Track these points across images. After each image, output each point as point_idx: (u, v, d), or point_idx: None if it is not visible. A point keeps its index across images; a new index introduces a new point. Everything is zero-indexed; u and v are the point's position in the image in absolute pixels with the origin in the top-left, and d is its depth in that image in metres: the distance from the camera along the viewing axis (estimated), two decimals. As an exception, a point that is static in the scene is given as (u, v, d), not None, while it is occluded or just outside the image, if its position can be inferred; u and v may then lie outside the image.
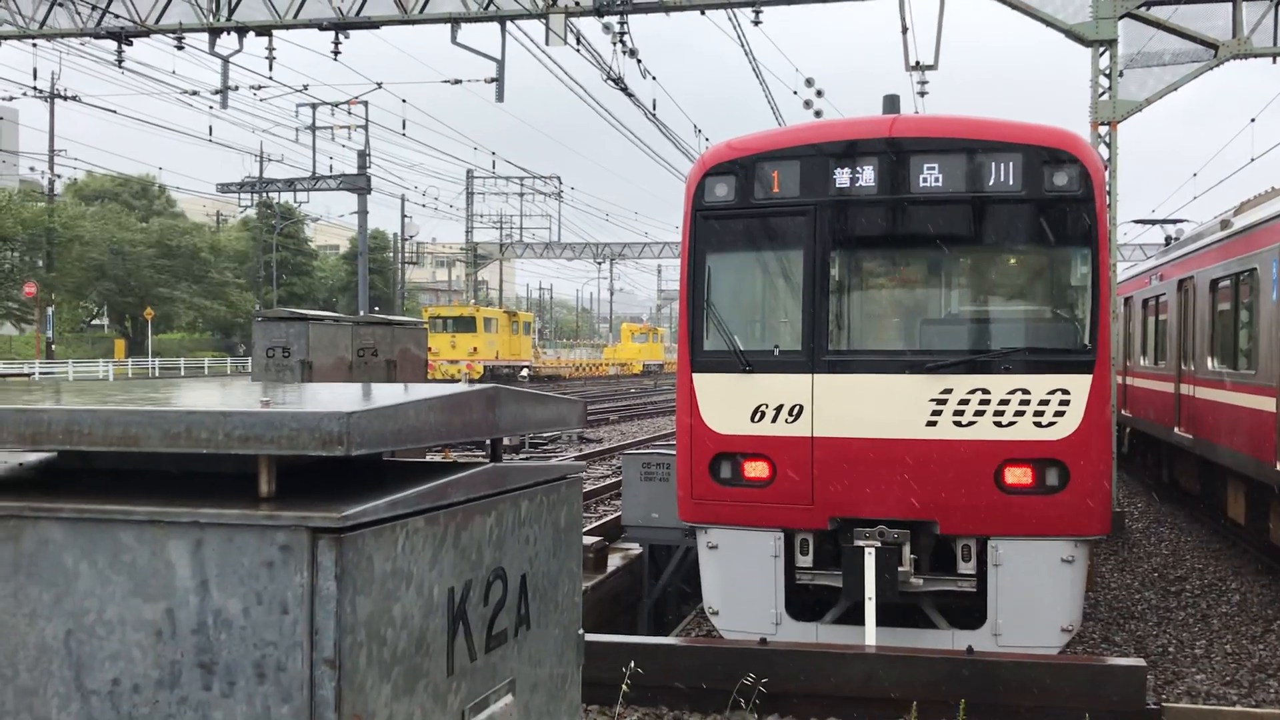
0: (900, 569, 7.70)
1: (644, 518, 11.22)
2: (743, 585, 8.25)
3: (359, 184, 49.61)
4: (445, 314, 59.41)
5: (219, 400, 2.31)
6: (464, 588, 2.31)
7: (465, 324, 57.15)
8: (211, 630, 1.93)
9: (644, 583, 12.17)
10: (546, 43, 20.17)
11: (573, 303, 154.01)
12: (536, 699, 2.69)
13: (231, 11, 21.67)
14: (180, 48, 22.43)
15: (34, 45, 25.85)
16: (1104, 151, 16.06)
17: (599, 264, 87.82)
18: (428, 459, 3.18)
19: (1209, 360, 13.84)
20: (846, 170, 8.12)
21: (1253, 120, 27.76)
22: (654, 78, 23.04)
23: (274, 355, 16.99)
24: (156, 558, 1.96)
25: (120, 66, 23.14)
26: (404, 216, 72.53)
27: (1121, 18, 16.69)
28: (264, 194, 57.85)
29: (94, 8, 22.15)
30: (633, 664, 6.88)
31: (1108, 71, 16.50)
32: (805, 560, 8.17)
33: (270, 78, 25.64)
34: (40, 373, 48.12)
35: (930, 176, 8.01)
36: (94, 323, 77.44)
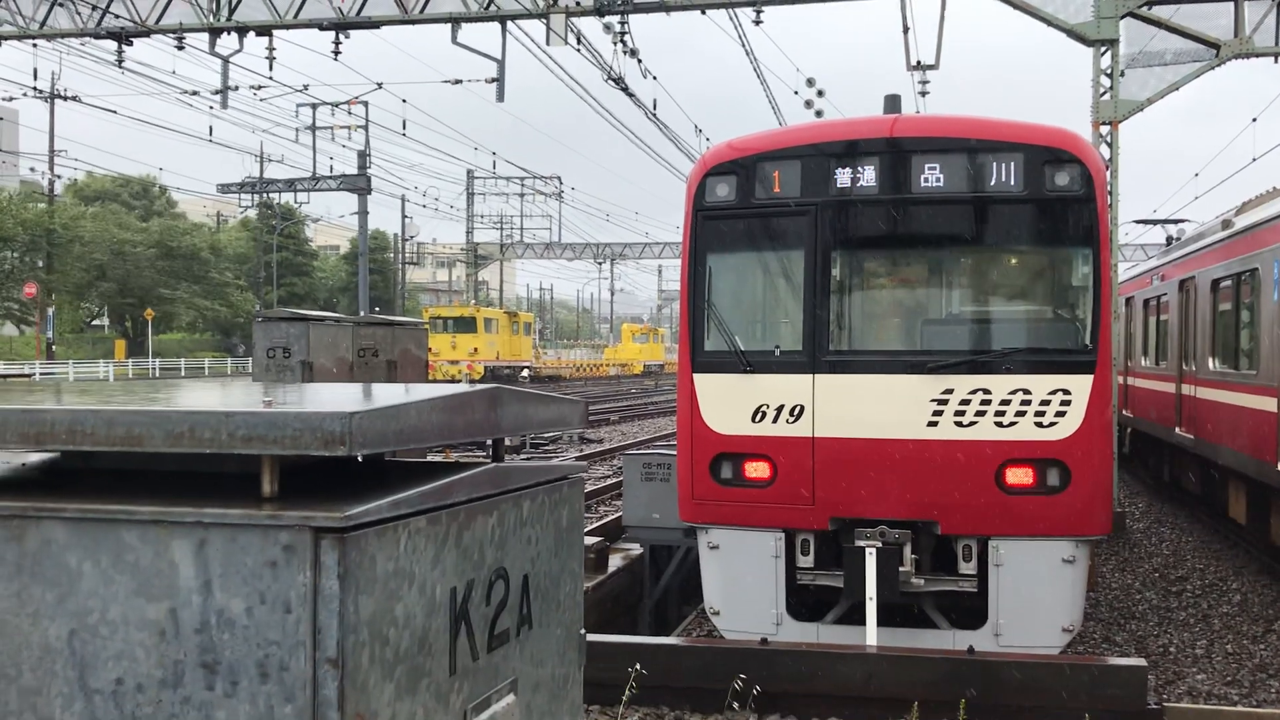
0: (901, 569, 7.70)
1: (645, 518, 11.22)
2: (744, 585, 8.25)
3: (359, 184, 49.61)
4: (446, 314, 59.42)
5: (221, 400, 2.31)
6: (466, 587, 2.31)
7: (466, 324, 57.16)
8: (215, 630, 1.93)
9: (645, 583, 12.17)
10: (547, 43, 20.18)
11: (573, 303, 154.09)
12: (538, 699, 2.69)
13: (232, 11, 21.68)
14: (180, 48, 22.45)
15: (34, 45, 25.88)
16: (1105, 151, 16.06)
17: (599, 264, 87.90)
18: (429, 459, 3.18)
19: (1210, 360, 13.84)
20: (847, 170, 8.12)
21: (1254, 120, 27.78)
22: (655, 78, 23.05)
23: (275, 356, 17.00)
24: (160, 558, 1.96)
25: (120, 67, 23.16)
26: (404, 217, 72.60)
27: (1123, 17, 16.69)
28: (264, 194, 57.86)
29: (94, 8, 22.16)
30: (637, 665, 6.88)
31: (1109, 71, 16.50)
32: (806, 560, 8.17)
33: (270, 78, 25.66)
34: (40, 373, 48.13)
35: (931, 176, 8.01)
36: (94, 323, 77.48)
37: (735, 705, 6.89)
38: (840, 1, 19.63)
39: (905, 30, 18.93)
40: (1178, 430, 15.55)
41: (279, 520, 1.91)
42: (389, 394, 2.43)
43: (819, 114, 25.21)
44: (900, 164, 8.06)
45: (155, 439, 2.01)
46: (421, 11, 20.95)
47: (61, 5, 22.53)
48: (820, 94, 25.60)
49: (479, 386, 2.49)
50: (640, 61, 21.54)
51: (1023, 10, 17.26)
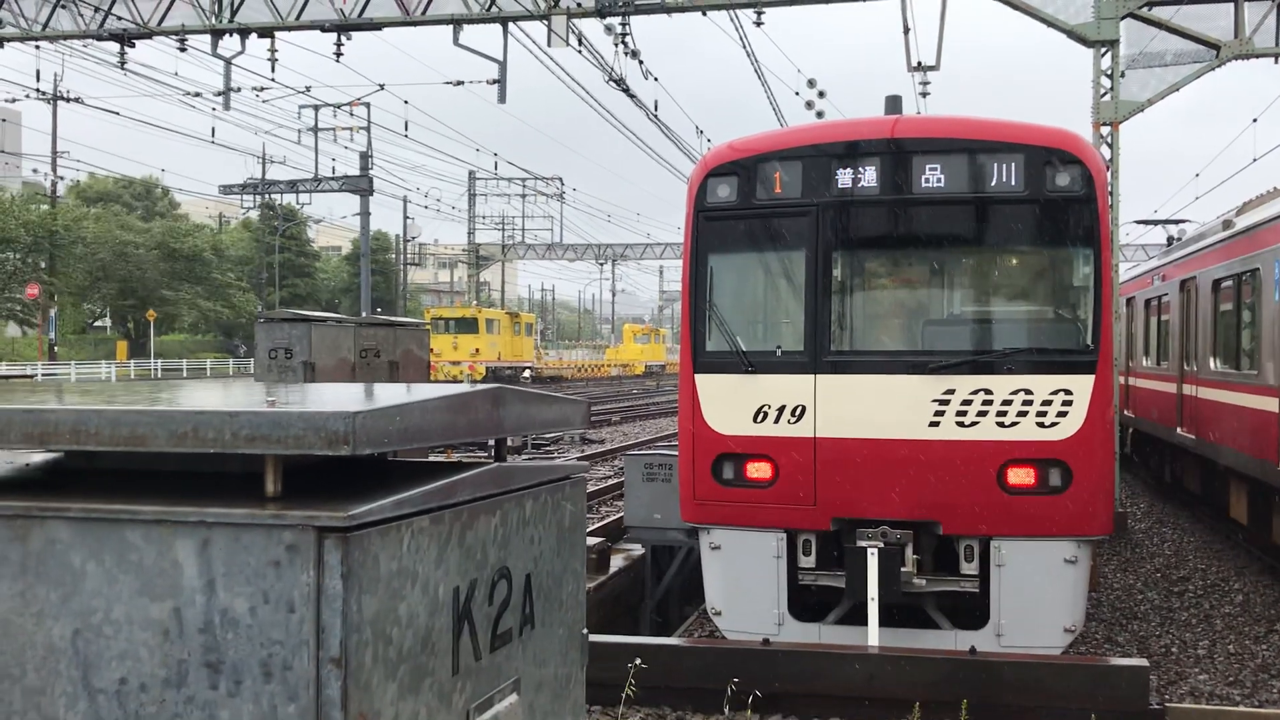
0: (903, 569, 7.70)
1: (646, 518, 11.22)
2: (745, 586, 8.25)
3: (361, 185, 49.64)
4: (447, 315, 59.45)
5: (225, 400, 2.31)
6: (469, 587, 2.31)
7: (467, 325, 57.18)
8: (218, 629, 1.94)
9: (646, 583, 12.17)
10: (548, 44, 20.19)
11: (575, 304, 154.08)
12: (541, 698, 2.70)
13: (234, 13, 21.70)
14: (183, 49, 22.46)
15: (37, 47, 25.92)
16: (1106, 152, 16.06)
17: (601, 265, 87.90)
18: (431, 459, 3.19)
19: (1211, 361, 13.83)
20: (849, 171, 8.13)
21: (1255, 120, 27.76)
22: (656, 79, 23.04)
23: (277, 356, 17.01)
24: (163, 557, 1.97)
25: (123, 68, 23.18)
26: (406, 218, 72.63)
27: (1123, 18, 16.69)
28: (266, 195, 57.88)
29: (96, 9, 22.18)
30: (638, 660, 6.88)
31: (1109, 72, 16.50)
32: (808, 561, 8.18)
33: (272, 79, 25.67)
34: (43, 374, 48.16)
35: (932, 177, 8.01)
36: (96, 325, 77.52)
37: (726, 709, 6.89)
38: (841, 3, 19.64)
39: (906, 31, 18.94)
40: (1179, 430, 15.55)
41: (282, 520, 1.92)
42: (392, 394, 2.44)
43: (820, 115, 25.21)
44: (901, 165, 8.06)
45: (159, 439, 2.01)
46: (423, 13, 20.97)
47: (64, 7, 22.55)
48: (821, 95, 25.60)
49: (481, 386, 2.49)
50: (641, 63, 21.55)
51: (1023, 11, 17.27)
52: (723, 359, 8.29)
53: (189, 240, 70.95)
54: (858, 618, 7.91)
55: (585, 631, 3.01)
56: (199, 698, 1.94)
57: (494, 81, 22.80)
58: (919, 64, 18.97)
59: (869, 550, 7.68)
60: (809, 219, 8.19)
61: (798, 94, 25.91)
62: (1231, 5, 16.83)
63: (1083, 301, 8.15)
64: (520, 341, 63.76)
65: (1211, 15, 16.97)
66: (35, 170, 65.99)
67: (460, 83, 27.28)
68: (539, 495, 2.68)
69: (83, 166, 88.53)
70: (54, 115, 56.43)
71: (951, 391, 7.83)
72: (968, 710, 6.58)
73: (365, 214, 50.59)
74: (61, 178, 62.49)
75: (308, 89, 35.82)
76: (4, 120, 61.16)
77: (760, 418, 8.15)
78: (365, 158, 49.86)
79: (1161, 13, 16.91)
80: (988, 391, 7.79)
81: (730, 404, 8.23)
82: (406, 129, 38.47)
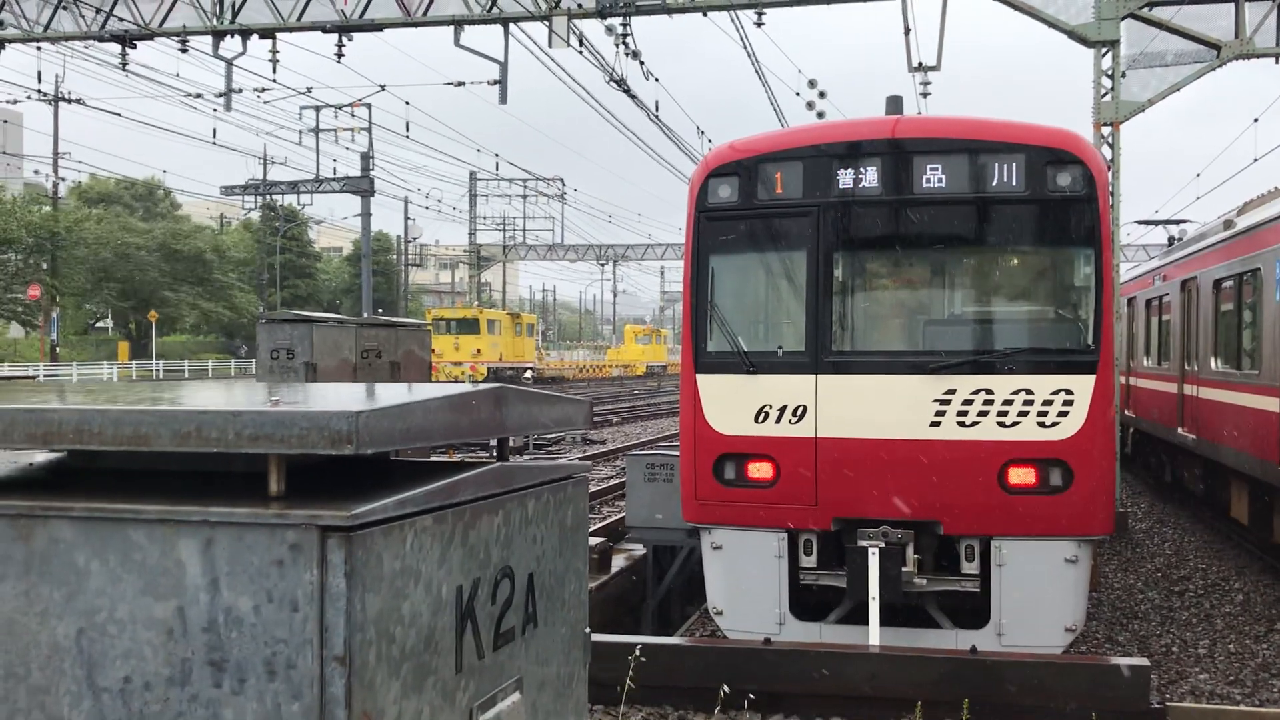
0: (904, 569, 7.71)
1: (648, 518, 11.22)
2: (747, 586, 8.26)
3: (362, 186, 49.64)
4: (449, 316, 59.45)
5: (228, 400, 2.32)
6: (472, 586, 2.32)
7: (469, 326, 57.19)
8: (222, 628, 1.94)
9: (648, 583, 12.17)
10: (549, 45, 20.20)
11: (576, 305, 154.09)
12: (544, 697, 2.70)
13: (235, 14, 21.71)
14: (184, 50, 22.46)
15: (38, 48, 25.93)
16: (1106, 152, 16.06)
17: (602, 266, 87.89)
18: (433, 459, 3.19)
19: (1212, 361, 13.83)
20: (850, 171, 8.13)
21: (1256, 120, 27.78)
22: (657, 79, 23.04)
23: (278, 357, 17.02)
24: (167, 556, 1.97)
25: (124, 69, 23.19)
26: (407, 218, 72.64)
27: (1124, 18, 16.69)
28: (268, 196, 57.90)
29: (98, 11, 22.19)
30: (640, 655, 6.88)
31: (1110, 72, 16.50)
32: (809, 561, 8.18)
33: (274, 80, 25.60)
34: (44, 375, 48.17)
35: (933, 177, 8.01)
36: (98, 325, 77.55)
37: (720, 709, 6.89)
38: (842, 3, 19.64)
39: (906, 32, 18.94)
40: (1180, 430, 15.55)
41: (286, 519, 1.92)
42: (395, 393, 2.44)
43: (821, 115, 25.21)
44: (902, 165, 8.07)
45: (163, 438, 2.02)
46: (424, 14, 20.98)
47: (65, 8, 22.57)
48: (822, 95, 25.60)
49: (484, 386, 2.50)
50: (642, 63, 21.55)
51: (1024, 12, 17.27)
52: (724, 359, 8.30)
53: (191, 241, 71.00)
54: (859, 617, 7.92)
55: (587, 631, 3.01)
56: (203, 696, 1.95)
57: (495, 82, 22.79)
58: (920, 64, 18.97)
59: (870, 550, 7.68)
60: (810, 219, 8.20)
61: (798, 94, 25.92)
62: (1232, 5, 16.82)
63: (1084, 301, 8.16)
64: (522, 342, 63.76)
65: (1212, 15, 16.97)
66: (37, 171, 66.06)
67: (461, 83, 27.28)
68: (541, 495, 2.68)
69: (84, 168, 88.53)
70: (55, 116, 56.51)
71: (952, 391, 7.84)
72: (969, 710, 6.59)
73: (366, 215, 50.61)
74: (63, 179, 62.54)
75: (309, 90, 35.87)
76: (5, 121, 61.18)
77: (761, 418, 8.15)
78: (366, 159, 49.86)
79: (1162, 13, 16.90)
80: (989, 391, 7.80)
81: (732, 404, 8.24)
82: (408, 130, 38.43)
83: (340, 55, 21.73)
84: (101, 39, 22.59)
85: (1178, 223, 24.89)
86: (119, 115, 36.97)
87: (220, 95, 24.59)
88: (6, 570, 2.04)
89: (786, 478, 8.09)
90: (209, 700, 1.95)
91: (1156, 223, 27.52)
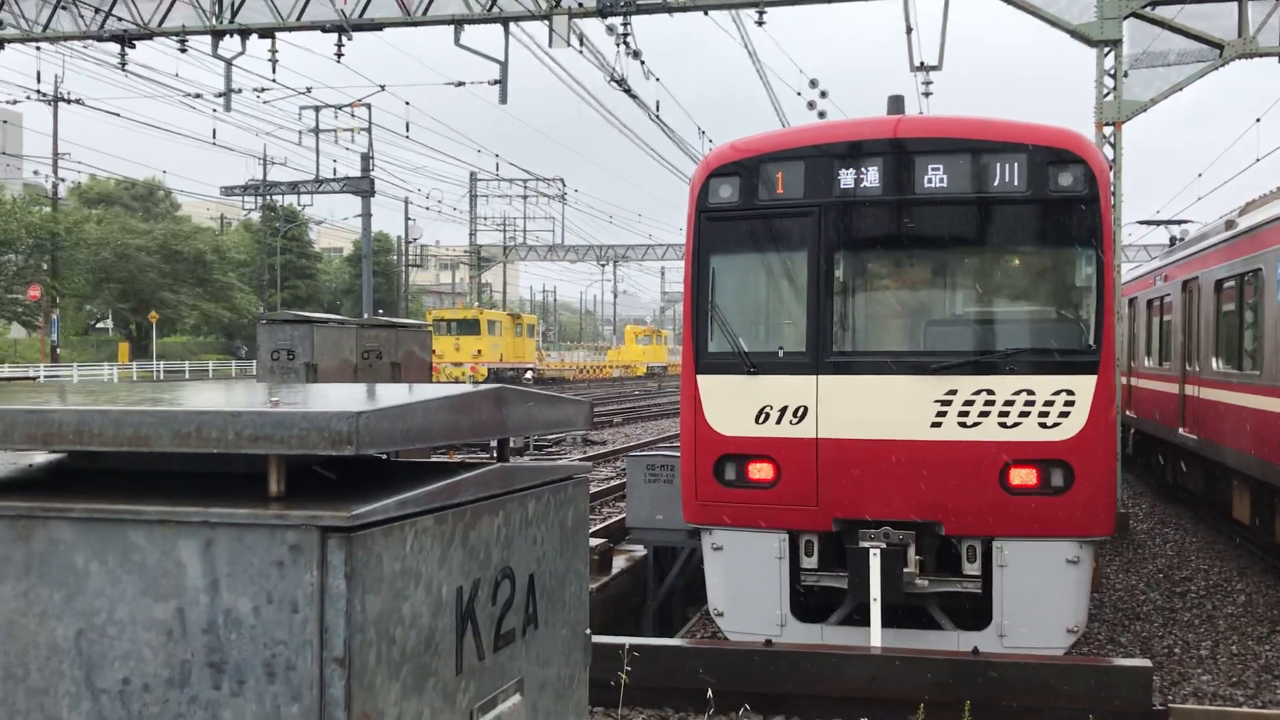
0: (905, 570, 7.70)
1: (649, 519, 11.22)
2: (748, 587, 8.25)
3: (362, 187, 49.66)
4: (449, 316, 59.45)
5: (228, 401, 2.31)
6: (472, 587, 2.31)
7: (469, 326, 57.20)
8: (221, 629, 1.94)
9: (649, 585, 12.17)
10: (550, 44, 20.20)
11: (576, 305, 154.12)
12: (544, 699, 2.69)
13: (234, 14, 21.71)
14: (183, 50, 22.47)
15: (37, 48, 25.94)
16: (1108, 152, 16.05)
17: (602, 266, 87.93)
18: (433, 459, 3.18)
19: (1214, 361, 13.82)
20: (851, 171, 8.12)
21: (1258, 120, 27.81)
22: (657, 79, 23.05)
23: (279, 358, 17.03)
24: (167, 557, 1.96)
25: (123, 69, 23.20)
26: (407, 219, 72.67)
27: (1126, 18, 16.68)
28: (268, 197, 57.92)
29: (97, 10, 22.20)
30: (627, 646, 6.85)
31: (1112, 72, 16.49)
32: (810, 562, 8.17)
33: (273, 80, 25.65)
34: (45, 376, 48.20)
35: (935, 177, 8.00)
36: (99, 326, 77.58)
37: (713, 710, 6.88)
38: (843, 2, 19.64)
39: (908, 31, 18.94)
40: (1181, 431, 15.54)
41: (286, 520, 1.91)
42: (395, 394, 2.43)
43: (822, 115, 25.20)
44: (904, 165, 8.05)
45: (163, 439, 2.01)
46: (424, 13, 20.98)
47: (64, 8, 22.57)
48: (823, 95, 25.59)
49: (484, 387, 2.49)
50: (643, 63, 21.56)
51: (1026, 11, 17.26)
52: (725, 360, 8.29)
53: (191, 242, 71.03)
54: (860, 619, 7.91)
55: (588, 632, 3.00)
56: (202, 698, 1.94)
57: (495, 82, 22.81)
58: (921, 64, 18.97)
59: (871, 551, 7.67)
60: (811, 219, 8.19)
61: (800, 94, 25.92)
62: (1235, 4, 16.81)
63: (1085, 302, 8.14)
64: (522, 343, 63.77)
65: (1215, 14, 16.96)
66: (36, 172, 66.10)
67: (461, 83, 27.29)
68: (542, 496, 2.68)
69: (84, 168, 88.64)
70: (55, 117, 56.53)
71: (954, 392, 7.83)
72: (971, 711, 6.58)
73: (367, 215, 50.63)
74: (63, 179, 62.56)
75: (309, 90, 35.85)
76: (5, 122, 61.21)
77: (762, 418, 8.14)
78: (366, 159, 49.88)
79: (1164, 12, 16.90)
80: (990, 392, 7.79)
81: (732, 405, 8.23)
82: (408, 130, 38.47)
83: (340, 55, 21.74)
84: (100, 39, 22.60)
85: (1179, 223, 24.88)
86: (118, 115, 37.04)
87: (220, 95, 24.61)
88: (6, 571, 2.04)
89: (787, 478, 8.08)
90: (208, 702, 1.94)
91: (1158, 223, 27.52)
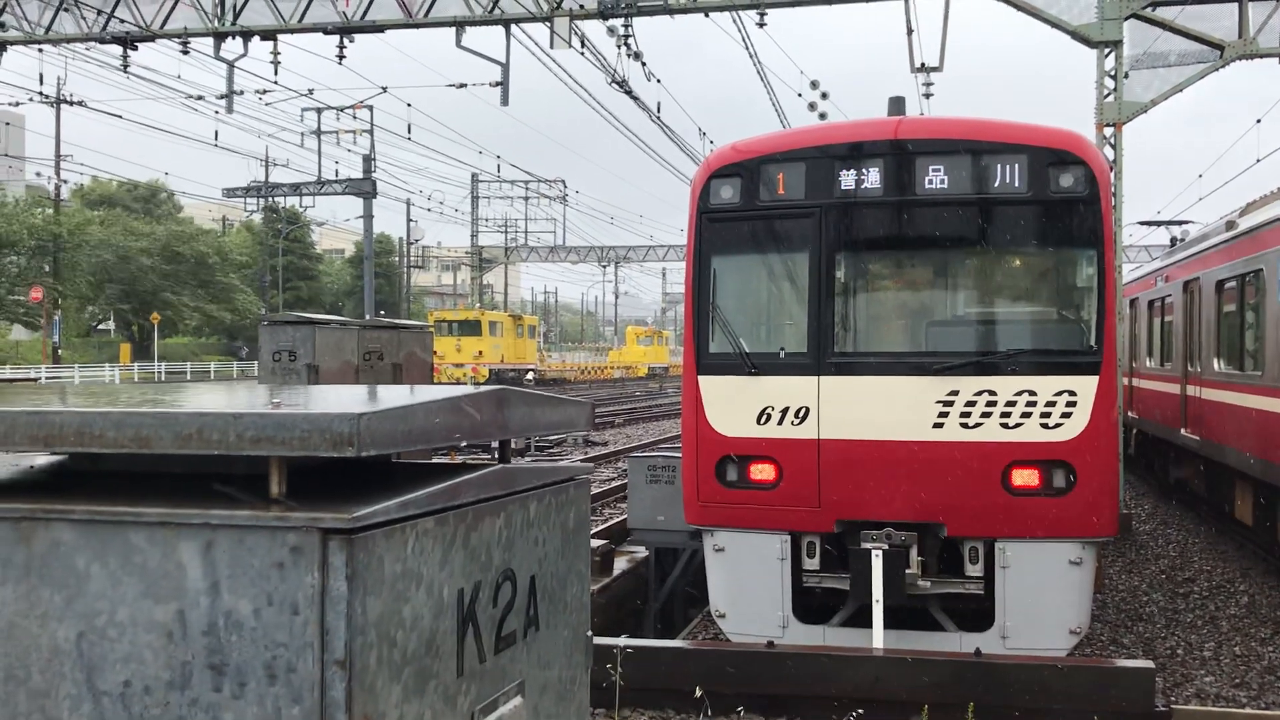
0: (907, 571, 7.69)
1: (650, 521, 11.21)
2: (749, 588, 8.24)
3: (364, 188, 49.71)
4: (450, 318, 59.46)
5: (229, 402, 2.31)
6: (473, 589, 2.31)
7: (470, 328, 57.20)
8: (222, 631, 1.93)
9: (650, 586, 12.16)
10: (551, 46, 20.20)
11: (577, 306, 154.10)
12: (546, 701, 2.69)
13: (236, 16, 21.72)
14: (185, 52, 22.48)
15: (40, 51, 25.93)
16: (1109, 153, 16.05)
17: (604, 267, 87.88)
18: (434, 460, 3.18)
19: (1215, 361, 13.81)
20: (852, 172, 8.12)
21: (1258, 121, 27.79)
22: (659, 80, 23.05)
23: (280, 359, 17.03)
24: (167, 559, 1.96)
25: (126, 71, 23.21)
26: (409, 220, 72.67)
27: (1127, 19, 16.68)
28: (269, 198, 57.95)
29: (99, 13, 22.22)
30: (620, 641, 6.85)
31: (1113, 73, 16.48)
32: (812, 563, 8.17)
33: (275, 82, 25.57)
34: (46, 377, 48.23)
35: (936, 178, 8.00)
36: (100, 327, 77.63)
37: (708, 711, 6.87)
38: (844, 3, 19.64)
39: (909, 32, 18.94)
40: (1183, 431, 15.52)
41: (286, 521, 1.91)
42: (396, 395, 2.43)
43: (823, 116, 25.18)
44: (905, 166, 8.05)
45: (164, 440, 2.01)
46: (426, 15, 20.99)
47: (67, 10, 22.59)
48: (824, 96, 25.58)
49: (486, 388, 2.49)
50: (644, 64, 21.56)
51: (1027, 12, 17.26)
52: (726, 361, 8.28)
53: (193, 244, 71.08)
54: (862, 620, 7.90)
55: (590, 634, 3.00)
56: (203, 700, 1.94)
57: (497, 84, 22.80)
58: (922, 65, 18.97)
59: (873, 552, 7.67)
60: (812, 220, 8.19)
61: (800, 95, 25.91)
62: (1235, 5, 16.81)
63: (1086, 302, 8.14)
64: (523, 344, 63.78)
65: (1215, 15, 16.96)
66: (39, 174, 66.07)
67: (463, 85, 27.30)
68: (543, 497, 2.67)
69: (86, 170, 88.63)
70: (57, 119, 56.62)
71: (955, 393, 7.82)
72: (973, 712, 6.57)
73: (368, 217, 50.68)
74: (65, 181, 62.61)
75: (310, 92, 35.84)
76: (7, 124, 61.20)
77: (764, 419, 8.14)
78: (368, 160, 49.92)
79: (1165, 13, 16.90)
80: (991, 393, 7.78)
81: (734, 406, 8.22)
82: (409, 131, 38.44)
83: (341, 57, 21.75)
84: (103, 41, 22.62)
85: (1180, 223, 24.86)
86: (120, 117, 37.05)
87: (222, 97, 24.62)
88: (7, 573, 2.03)
89: (789, 479, 8.08)
90: (209, 704, 1.93)
91: (1159, 223, 27.50)
